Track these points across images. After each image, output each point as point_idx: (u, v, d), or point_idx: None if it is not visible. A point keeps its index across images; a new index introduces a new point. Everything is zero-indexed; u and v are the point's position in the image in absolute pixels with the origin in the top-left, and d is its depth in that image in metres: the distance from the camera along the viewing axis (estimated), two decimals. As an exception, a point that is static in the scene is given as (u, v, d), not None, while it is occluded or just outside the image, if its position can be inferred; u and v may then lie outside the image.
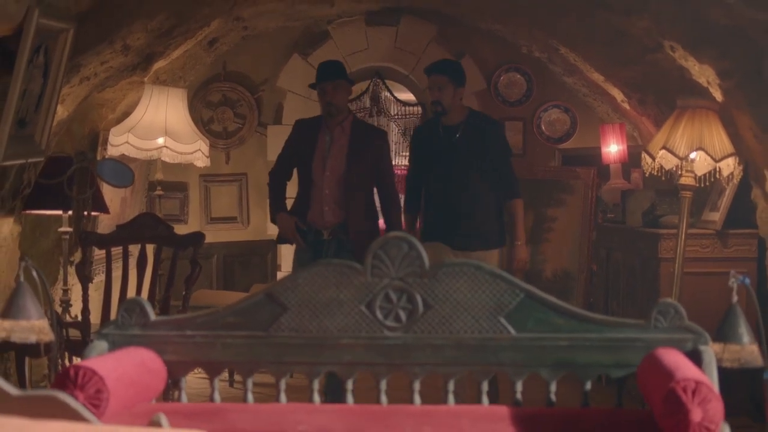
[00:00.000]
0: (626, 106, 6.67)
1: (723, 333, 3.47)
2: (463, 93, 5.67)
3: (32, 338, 3.51)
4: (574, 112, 7.79)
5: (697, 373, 2.99)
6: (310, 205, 5.51)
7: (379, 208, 5.78)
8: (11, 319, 3.49)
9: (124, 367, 3.23)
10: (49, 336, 3.57)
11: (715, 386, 3.01)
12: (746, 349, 3.44)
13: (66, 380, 3.04)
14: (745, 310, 3.53)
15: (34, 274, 3.60)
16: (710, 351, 3.28)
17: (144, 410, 3.16)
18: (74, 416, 2.75)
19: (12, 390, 2.79)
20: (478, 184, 5.55)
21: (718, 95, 5.14)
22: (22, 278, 3.55)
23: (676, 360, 3.12)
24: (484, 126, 5.65)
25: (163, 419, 2.84)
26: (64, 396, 2.74)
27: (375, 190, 5.67)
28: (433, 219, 5.66)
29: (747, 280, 3.51)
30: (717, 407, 2.86)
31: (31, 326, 3.51)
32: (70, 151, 5.79)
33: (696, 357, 3.24)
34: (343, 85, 5.53)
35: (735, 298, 3.48)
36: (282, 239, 5.73)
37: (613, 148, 6.95)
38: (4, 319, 3.50)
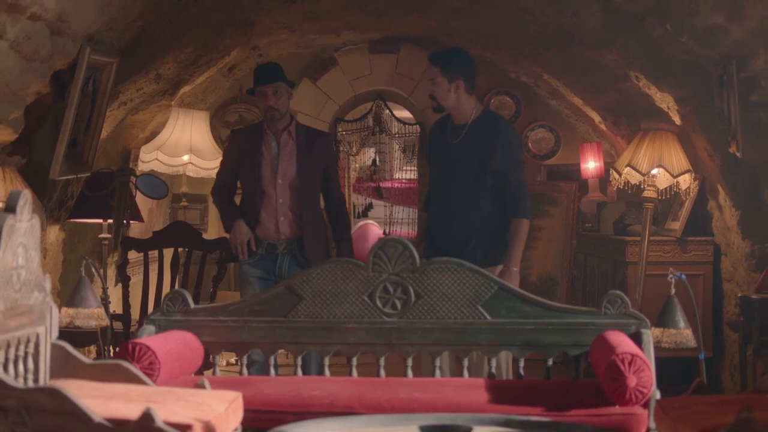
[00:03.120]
0: (603, 126, 7.20)
1: (662, 320, 4.19)
2: (465, 87, 4.83)
3: (92, 323, 4.26)
4: (558, 131, 8.27)
5: (634, 349, 3.69)
6: (260, 219, 5.15)
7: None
8: (75, 308, 4.24)
9: (170, 345, 3.94)
10: (105, 321, 4.32)
11: (651, 361, 3.71)
12: (682, 333, 4.16)
13: (125, 354, 3.75)
14: (683, 301, 4.26)
15: (93, 271, 4.35)
16: (649, 333, 3.99)
17: (187, 380, 3.85)
18: (135, 380, 3.49)
19: (85, 360, 3.52)
20: (475, 195, 4.81)
21: (677, 119, 5.74)
22: (83, 273, 4.30)
23: (619, 339, 3.83)
24: (491, 129, 4.84)
25: (207, 383, 3.55)
26: (127, 364, 3.48)
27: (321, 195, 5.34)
28: (428, 227, 5.08)
29: (683, 276, 4.23)
30: (649, 375, 3.57)
31: (91, 313, 4.25)
32: (104, 167, 6.44)
33: (638, 338, 3.95)
34: (284, 87, 5.20)
35: (672, 291, 4.20)
36: (230, 256, 5.34)
37: (591, 165, 7.52)
38: (69, 308, 4.24)
